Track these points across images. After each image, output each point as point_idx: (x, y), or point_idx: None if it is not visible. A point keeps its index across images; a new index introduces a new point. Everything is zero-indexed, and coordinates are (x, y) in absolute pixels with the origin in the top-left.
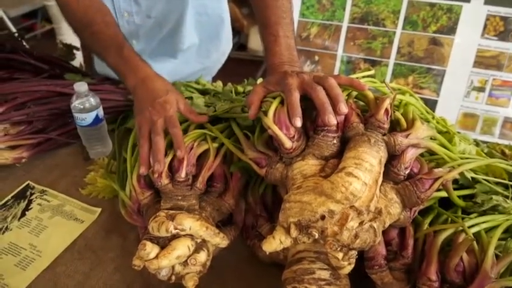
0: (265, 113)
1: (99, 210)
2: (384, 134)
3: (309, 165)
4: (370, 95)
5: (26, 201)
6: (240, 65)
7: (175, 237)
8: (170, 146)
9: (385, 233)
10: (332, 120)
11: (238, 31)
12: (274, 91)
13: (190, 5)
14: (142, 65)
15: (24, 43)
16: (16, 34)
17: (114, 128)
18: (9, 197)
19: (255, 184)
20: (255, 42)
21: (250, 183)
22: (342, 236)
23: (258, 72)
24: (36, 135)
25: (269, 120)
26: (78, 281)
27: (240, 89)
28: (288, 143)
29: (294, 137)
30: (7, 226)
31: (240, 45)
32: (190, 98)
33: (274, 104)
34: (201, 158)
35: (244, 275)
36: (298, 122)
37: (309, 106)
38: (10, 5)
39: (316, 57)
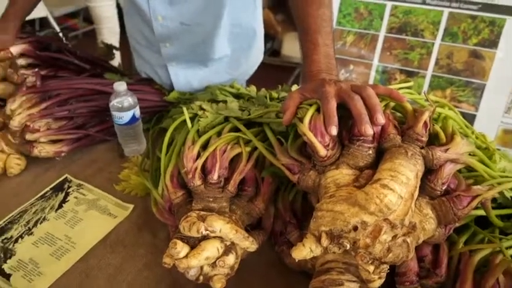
0: (301, 120)
1: (131, 206)
2: (422, 147)
3: (343, 174)
4: (409, 106)
5: (63, 194)
6: (272, 71)
7: (205, 238)
8: (204, 146)
9: (418, 249)
10: (369, 130)
11: (272, 37)
12: (311, 98)
13: (225, 17)
14: None
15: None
16: (61, 34)
17: (148, 127)
18: (48, 188)
19: (285, 190)
20: (288, 48)
21: (281, 189)
22: (374, 248)
23: (290, 78)
24: (76, 130)
25: (304, 127)
26: (109, 274)
27: (275, 94)
28: (322, 151)
29: (328, 145)
30: (45, 216)
31: (273, 51)
32: (225, 102)
33: (311, 111)
34: (234, 162)
35: (270, 280)
36: (334, 131)
37: (345, 115)
38: (55, 4)
39: (351, 66)
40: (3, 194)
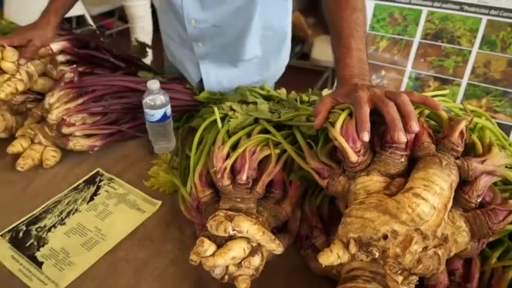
0: (333, 124)
1: (159, 202)
2: (457, 158)
3: (373, 181)
4: (444, 115)
5: (95, 187)
6: (301, 74)
7: (232, 238)
8: (233, 147)
9: (449, 261)
10: (402, 137)
11: (302, 40)
12: (343, 103)
13: (256, 20)
14: None
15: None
16: (98, 32)
17: (178, 125)
18: (81, 181)
19: (313, 194)
20: (318, 52)
21: (308, 192)
22: (404, 259)
23: (319, 82)
24: (109, 126)
25: (336, 132)
26: (136, 267)
27: (305, 98)
28: (353, 157)
29: (360, 151)
30: (77, 208)
31: (302, 54)
32: (255, 103)
33: (343, 116)
34: (262, 163)
35: (293, 284)
36: (366, 137)
37: (378, 121)
38: (92, 3)
39: (383, 72)
40: (39, 184)
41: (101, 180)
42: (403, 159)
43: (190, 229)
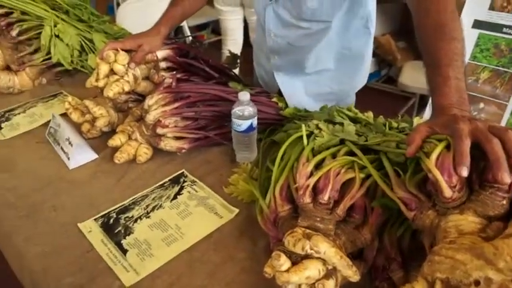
0: (427, 155)
1: (236, 210)
2: None
3: (468, 221)
4: None
5: (179, 187)
6: (386, 98)
7: (307, 257)
8: (317, 166)
9: None
10: (506, 178)
11: (389, 64)
12: (440, 133)
13: (335, 40)
14: None
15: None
16: (197, 43)
17: (261, 137)
18: (167, 179)
19: (394, 224)
20: (407, 77)
21: (389, 222)
22: None
23: (404, 107)
24: (198, 131)
25: (431, 163)
26: (210, 270)
27: (394, 124)
28: (448, 192)
29: (455, 186)
30: (161, 204)
31: (388, 77)
32: (342, 124)
33: (440, 147)
34: (345, 186)
35: None
36: (465, 172)
37: (477, 156)
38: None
39: (481, 105)
40: (131, 177)
41: (184, 181)
42: (504, 202)
43: (263, 241)
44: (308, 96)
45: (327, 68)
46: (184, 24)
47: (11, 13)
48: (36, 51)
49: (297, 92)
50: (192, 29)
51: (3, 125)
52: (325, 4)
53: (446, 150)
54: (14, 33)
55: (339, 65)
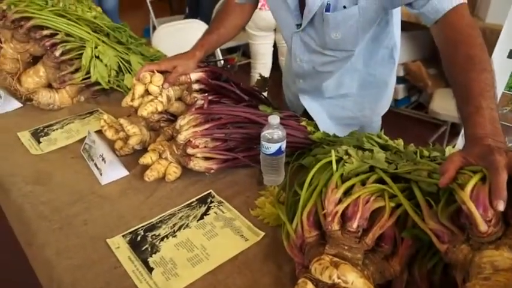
0: (461, 186)
1: (262, 234)
2: None
3: (503, 257)
4: None
5: (205, 207)
6: (415, 124)
7: (334, 286)
8: (345, 192)
9: None
10: None
11: (420, 90)
12: (475, 165)
13: (359, 67)
14: None
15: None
16: (229, 66)
17: (289, 161)
18: (195, 199)
19: (425, 257)
20: (438, 104)
21: (419, 254)
22: None
23: (434, 135)
24: (227, 152)
25: (465, 196)
26: None
27: (425, 152)
28: (483, 226)
29: (491, 220)
30: (188, 224)
31: (418, 104)
32: (371, 151)
33: (475, 179)
34: (375, 214)
35: None
36: (501, 206)
37: None
38: None
39: None
40: (160, 195)
41: (211, 202)
42: None
43: (289, 266)
44: (331, 119)
45: (349, 93)
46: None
47: (56, 34)
48: (76, 70)
49: (321, 114)
50: (223, 51)
51: (42, 139)
52: (349, 35)
53: (482, 182)
54: (57, 53)
55: (362, 90)
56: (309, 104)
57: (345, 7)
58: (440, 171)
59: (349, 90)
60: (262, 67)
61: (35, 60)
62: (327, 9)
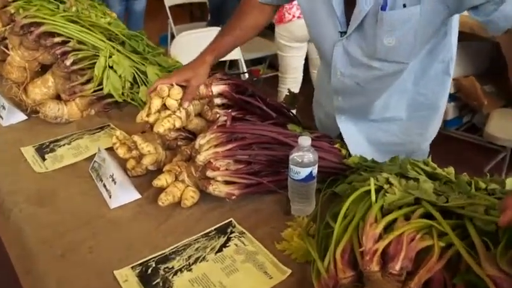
0: None
1: (289, 271)
2: None
3: None
4: None
5: (225, 238)
6: (467, 149)
7: None
8: (386, 227)
9: None
10: None
11: (473, 110)
12: None
13: (409, 84)
14: None
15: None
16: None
17: (320, 188)
18: (213, 228)
19: None
20: (495, 127)
21: None
22: None
23: (491, 163)
24: (251, 176)
25: None
26: None
27: (482, 184)
28: None
29: None
30: (205, 256)
31: (472, 125)
32: (417, 180)
33: None
34: (421, 255)
35: None
36: None
37: None
38: (248, 49)
39: None
40: (173, 222)
41: (232, 232)
42: None
43: None
44: (371, 145)
45: (396, 116)
46: (241, 58)
47: (68, 42)
48: (88, 81)
49: (359, 139)
50: (246, 62)
51: (47, 156)
52: (404, 43)
53: None
54: (68, 62)
55: (411, 113)
56: (345, 125)
57: (405, 6)
58: (499, 207)
59: (396, 113)
60: (292, 82)
61: (43, 69)
62: (383, 8)
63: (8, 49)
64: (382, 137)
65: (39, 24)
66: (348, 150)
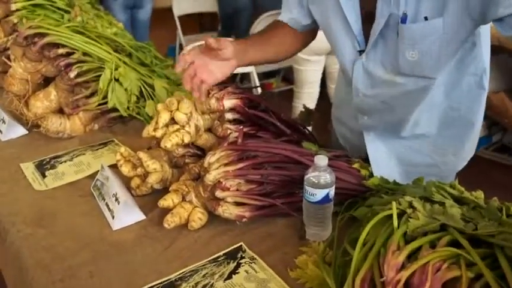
0: None
1: None
2: None
3: None
4: None
5: (235, 263)
6: (497, 171)
7: None
8: (410, 255)
9: None
10: None
11: (503, 128)
12: None
13: (441, 98)
14: None
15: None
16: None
17: (338, 211)
18: (222, 253)
19: None
20: None
21: None
22: None
23: None
24: (263, 197)
25: None
26: None
27: None
28: None
29: None
30: (212, 283)
31: (502, 145)
32: (442, 205)
33: None
34: (448, 285)
35: None
36: None
37: None
38: None
39: None
40: (180, 246)
41: (242, 257)
42: None
43: None
44: (400, 166)
45: (428, 133)
46: (253, 71)
47: (72, 53)
48: (92, 94)
49: (388, 159)
50: (259, 75)
51: (47, 172)
52: (428, 56)
53: None
54: (72, 74)
55: (443, 130)
56: (373, 144)
57: (426, 18)
58: None
59: (427, 129)
60: (308, 97)
61: (46, 82)
62: (403, 20)
63: (10, 60)
64: (413, 157)
65: (43, 35)
66: (368, 170)
